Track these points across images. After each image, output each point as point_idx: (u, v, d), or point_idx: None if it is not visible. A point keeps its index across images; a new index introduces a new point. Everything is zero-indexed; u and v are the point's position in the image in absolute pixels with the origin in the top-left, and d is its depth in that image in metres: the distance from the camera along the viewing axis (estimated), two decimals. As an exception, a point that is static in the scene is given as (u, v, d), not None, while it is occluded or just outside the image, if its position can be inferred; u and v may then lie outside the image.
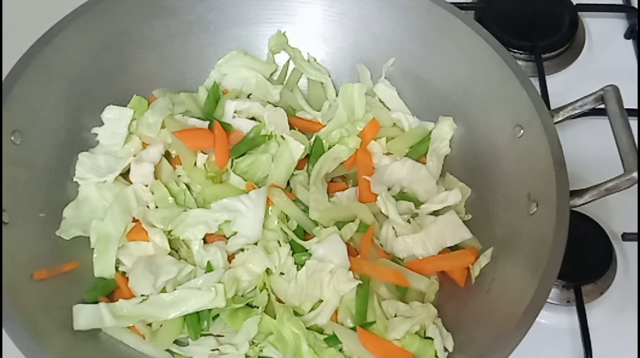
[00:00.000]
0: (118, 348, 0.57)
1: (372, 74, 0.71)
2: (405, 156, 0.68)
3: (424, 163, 0.67)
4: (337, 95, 0.72)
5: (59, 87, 0.63)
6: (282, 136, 0.66)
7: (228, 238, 0.62)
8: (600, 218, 0.69)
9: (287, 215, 0.63)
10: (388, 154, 0.68)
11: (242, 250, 0.61)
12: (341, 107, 0.69)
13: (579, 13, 0.84)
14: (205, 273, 0.59)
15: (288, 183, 0.66)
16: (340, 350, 0.57)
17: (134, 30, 0.67)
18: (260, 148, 0.66)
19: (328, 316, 0.58)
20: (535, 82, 0.77)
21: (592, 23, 0.85)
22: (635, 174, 0.54)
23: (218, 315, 0.58)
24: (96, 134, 0.66)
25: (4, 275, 0.52)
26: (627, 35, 0.84)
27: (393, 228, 0.62)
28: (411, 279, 0.60)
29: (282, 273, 0.60)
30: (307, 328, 0.57)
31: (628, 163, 0.55)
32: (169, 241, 0.61)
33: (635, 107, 0.75)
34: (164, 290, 0.58)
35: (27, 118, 0.60)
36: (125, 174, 0.64)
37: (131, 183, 0.64)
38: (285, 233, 0.62)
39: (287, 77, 0.73)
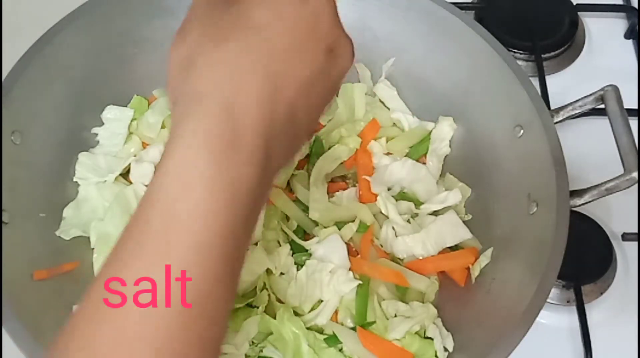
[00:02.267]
0: (118, 348, 0.57)
1: (372, 74, 0.71)
2: (405, 156, 0.68)
3: (424, 163, 0.67)
4: (337, 95, 0.72)
5: (59, 87, 0.63)
6: (282, 136, 0.66)
7: (228, 238, 0.62)
8: (600, 218, 0.69)
9: (287, 215, 0.63)
10: (388, 154, 0.68)
11: (242, 250, 0.61)
12: (341, 107, 0.69)
13: (579, 13, 0.84)
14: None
15: (288, 183, 0.66)
16: (340, 350, 0.57)
17: (134, 30, 0.67)
18: (261, 148, 0.66)
19: (328, 316, 0.58)
20: (535, 82, 0.77)
21: (592, 23, 0.85)
22: (635, 174, 0.54)
23: (218, 314, 0.58)
24: (96, 134, 0.66)
25: (5, 275, 0.52)
26: (627, 35, 0.84)
27: (393, 228, 0.62)
28: (411, 279, 0.60)
29: (282, 273, 0.60)
30: (307, 328, 0.57)
31: (628, 162, 0.55)
32: (169, 241, 0.61)
33: (636, 107, 0.75)
34: (164, 290, 0.58)
35: (28, 118, 0.60)
36: (125, 174, 0.64)
37: (131, 183, 0.64)
38: (285, 233, 0.62)
39: (287, 78, 0.73)
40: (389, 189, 0.65)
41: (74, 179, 0.63)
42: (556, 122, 0.59)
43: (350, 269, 0.59)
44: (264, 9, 0.35)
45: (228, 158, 0.32)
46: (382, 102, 0.71)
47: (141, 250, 0.32)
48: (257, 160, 0.33)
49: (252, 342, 0.57)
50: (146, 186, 0.62)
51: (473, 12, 0.84)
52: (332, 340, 0.56)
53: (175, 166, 0.32)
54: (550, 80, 0.79)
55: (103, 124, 0.66)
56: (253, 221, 0.35)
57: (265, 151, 0.34)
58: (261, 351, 0.57)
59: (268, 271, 0.60)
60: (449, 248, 0.62)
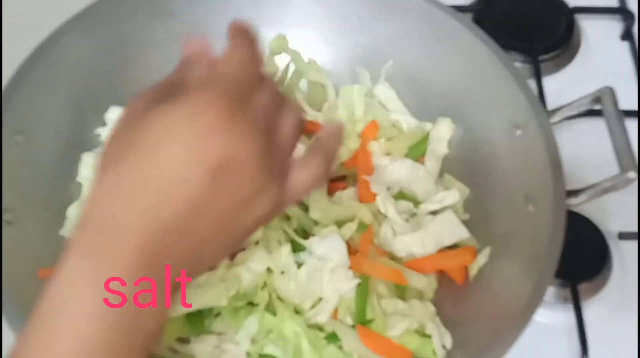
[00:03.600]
0: (121, 346, 0.57)
1: (371, 75, 0.72)
2: (404, 156, 0.68)
3: (423, 163, 0.68)
4: (337, 96, 0.72)
5: (63, 88, 0.63)
6: (282, 137, 0.66)
7: (229, 237, 0.62)
8: (595, 217, 0.69)
9: (287, 215, 0.64)
10: (387, 154, 0.69)
11: (243, 248, 0.62)
12: (341, 108, 0.70)
13: (575, 15, 0.85)
14: (207, 271, 0.59)
15: (288, 183, 0.66)
16: (340, 347, 0.57)
17: (136, 32, 0.68)
18: (261, 149, 0.67)
19: (328, 314, 0.58)
20: (532, 83, 0.78)
21: (588, 25, 0.86)
22: (630, 174, 0.55)
23: (220, 313, 0.59)
24: (99, 135, 0.66)
25: (9, 274, 0.52)
26: (623, 37, 0.85)
27: (392, 227, 0.63)
28: (410, 277, 0.60)
29: (282, 272, 0.61)
30: (308, 326, 0.57)
31: (624, 163, 0.55)
32: (172, 240, 0.62)
33: (631, 108, 0.76)
34: (166, 289, 0.59)
35: (32, 119, 0.61)
36: (128, 174, 0.65)
37: (134, 182, 0.64)
38: (286, 232, 0.63)
39: (287, 79, 0.73)
40: (388, 189, 0.65)
41: (78, 180, 0.64)
42: (553, 123, 0.60)
43: (349, 267, 0.59)
44: (152, 127, 0.39)
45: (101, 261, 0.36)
46: (382, 104, 0.72)
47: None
48: (130, 264, 0.36)
49: (253, 339, 0.58)
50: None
51: (471, 14, 0.85)
52: (333, 337, 0.57)
53: (60, 278, 0.37)
54: (547, 81, 0.79)
55: (106, 124, 0.66)
56: (141, 325, 0.37)
57: (147, 258, 0.36)
58: (262, 348, 0.58)
59: (269, 270, 0.61)
60: (448, 247, 0.62)
